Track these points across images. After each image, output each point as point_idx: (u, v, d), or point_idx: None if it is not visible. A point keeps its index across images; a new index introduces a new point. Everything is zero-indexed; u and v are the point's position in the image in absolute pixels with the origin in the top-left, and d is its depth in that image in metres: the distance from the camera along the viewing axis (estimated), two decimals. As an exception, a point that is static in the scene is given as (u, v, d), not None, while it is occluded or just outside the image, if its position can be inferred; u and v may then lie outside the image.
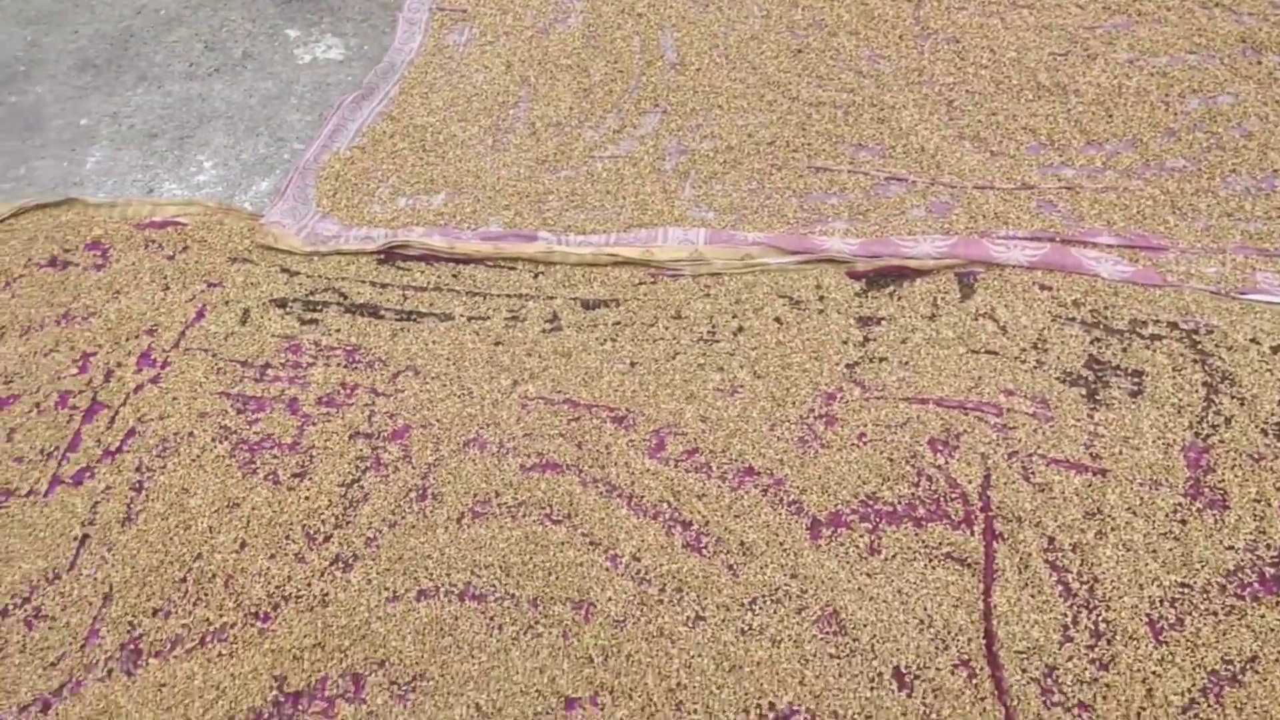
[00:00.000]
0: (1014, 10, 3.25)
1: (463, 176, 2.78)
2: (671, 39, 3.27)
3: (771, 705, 1.73)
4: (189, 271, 2.57)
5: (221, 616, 1.91)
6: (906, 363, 2.22)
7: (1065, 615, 1.79)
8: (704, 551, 1.94)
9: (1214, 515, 1.91)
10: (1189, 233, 2.43)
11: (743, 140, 2.83)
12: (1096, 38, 3.09)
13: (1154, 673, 1.71)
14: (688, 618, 1.85)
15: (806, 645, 1.79)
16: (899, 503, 1.97)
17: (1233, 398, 2.09)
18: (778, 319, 2.34)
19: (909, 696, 1.71)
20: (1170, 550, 1.86)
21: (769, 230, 2.52)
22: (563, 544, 1.96)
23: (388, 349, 2.36)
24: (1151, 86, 2.88)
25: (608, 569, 1.92)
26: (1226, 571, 1.83)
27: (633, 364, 2.28)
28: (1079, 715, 1.68)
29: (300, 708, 1.78)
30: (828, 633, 1.81)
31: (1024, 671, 1.73)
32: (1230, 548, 1.86)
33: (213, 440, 2.19)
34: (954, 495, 1.97)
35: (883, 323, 2.31)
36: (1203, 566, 1.84)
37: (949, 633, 1.78)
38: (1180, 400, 2.10)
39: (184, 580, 1.97)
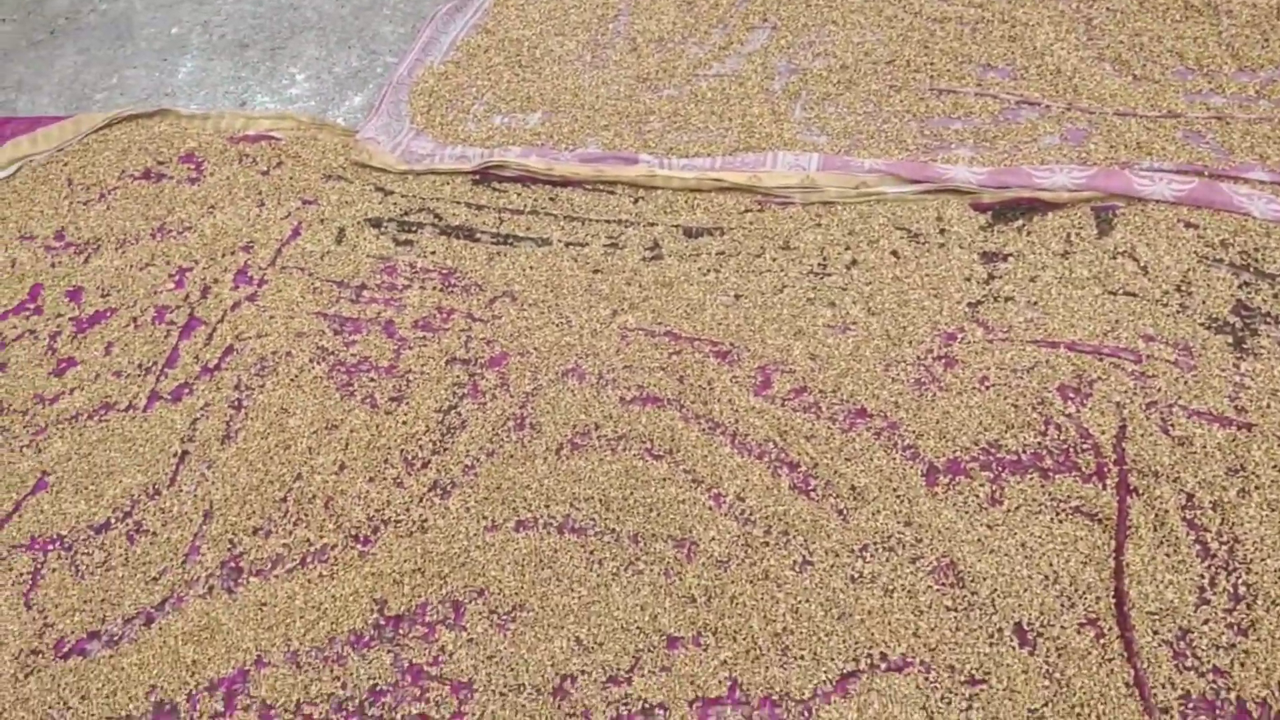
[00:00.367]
0: (1163, -82, 3.02)
1: (560, 94, 2.73)
2: (781, -52, 3.12)
3: (883, 655, 1.71)
4: (283, 188, 2.58)
5: (322, 538, 1.95)
6: (1035, 303, 2.12)
7: (1202, 576, 1.72)
8: (812, 494, 1.91)
9: (1376, 479, 1.80)
10: (1358, 169, 2.26)
11: (859, 59, 2.71)
12: (1257, -51, 2.86)
13: (1301, 644, 1.64)
14: (794, 562, 1.83)
15: (921, 596, 1.76)
16: (1024, 452, 1.90)
17: (1402, 352, 1.96)
18: (894, 252, 2.26)
19: (1031, 654, 1.67)
20: (1324, 514, 1.77)
21: (886, 157, 2.42)
22: (664, 480, 1.95)
23: (484, 273, 2.35)
24: (1319, 5, 2.67)
25: (711, 508, 1.91)
26: (1387, 540, 1.73)
27: (737, 296, 2.23)
28: (1214, 682, 1.61)
29: (401, 631, 1.82)
30: (944, 584, 1.77)
31: (1156, 633, 1.67)
32: (1393, 515, 1.76)
33: (310, 361, 2.22)
34: (1085, 446, 1.90)
35: (1010, 259, 2.21)
36: (1361, 533, 1.74)
37: (1076, 590, 1.73)
38: (1341, 353, 1.98)
39: (284, 500, 2.01)
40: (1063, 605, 1.72)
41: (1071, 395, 1.97)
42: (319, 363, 2.21)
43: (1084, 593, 1.72)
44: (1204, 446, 1.87)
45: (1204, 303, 2.08)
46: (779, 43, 2.80)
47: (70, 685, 1.82)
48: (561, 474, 1.98)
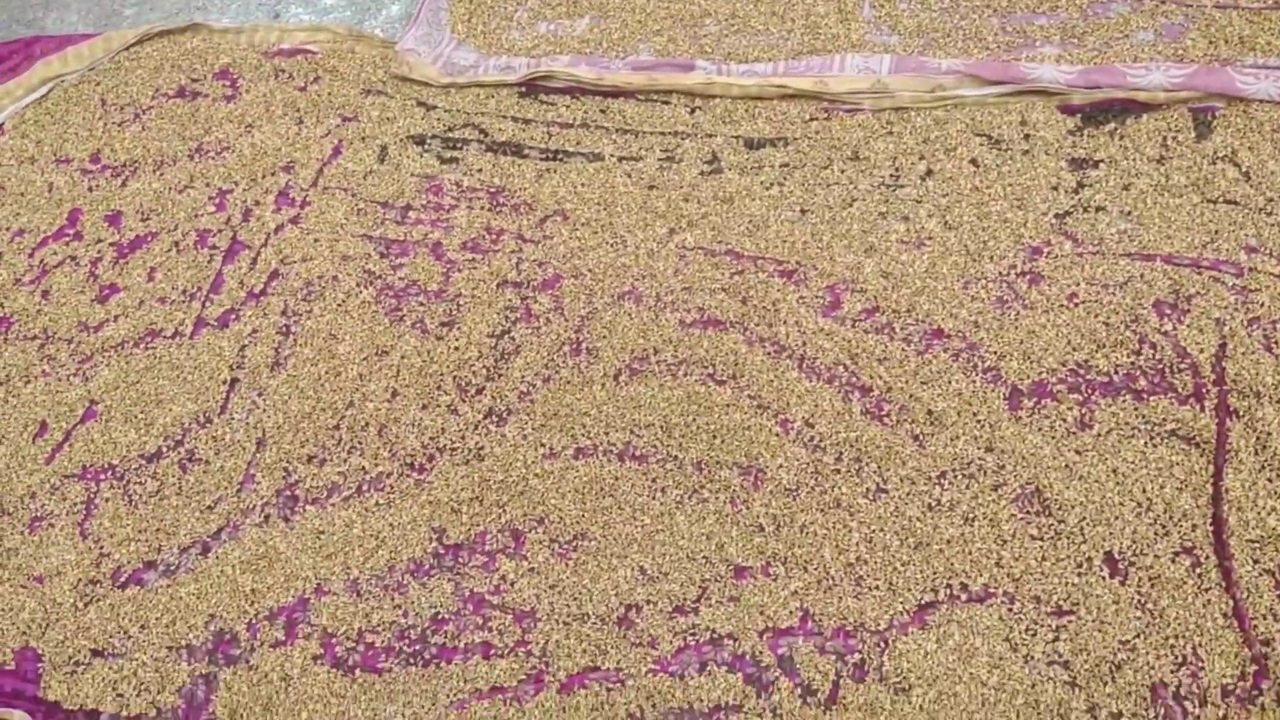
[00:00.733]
0: None
1: (609, -2, 2.63)
2: None
3: (964, 586, 1.69)
4: (322, 105, 2.54)
5: (377, 466, 1.96)
6: (1129, 213, 2.04)
7: (1308, 505, 1.67)
8: (886, 420, 1.87)
9: None
10: None
11: (932, -48, 2.57)
12: None
13: None
14: (868, 489, 1.80)
15: (1004, 525, 1.72)
16: (1116, 373, 1.84)
17: None
18: (974, 161, 2.17)
19: (1123, 584, 1.64)
20: None
21: (965, 56, 2.31)
22: (728, 406, 1.92)
23: (533, 191, 2.30)
24: None
25: (778, 434, 1.88)
26: None
27: (803, 211, 2.17)
28: (1319, 615, 1.57)
29: (460, 560, 1.83)
30: (1029, 512, 1.73)
31: (1256, 562, 1.63)
32: None
33: (358, 285, 2.20)
34: (1182, 366, 1.83)
35: (1101, 166, 2.11)
36: None
37: (1171, 517, 1.69)
38: None
39: (337, 428, 2.01)
40: (1156, 533, 1.68)
41: (1168, 311, 1.89)
42: (366, 287, 2.20)
43: (1179, 520, 1.68)
44: (1312, 365, 1.79)
45: (1314, 211, 1.98)
46: (844, -64, 2.66)
47: (130, 615, 1.86)
48: (620, 400, 1.96)
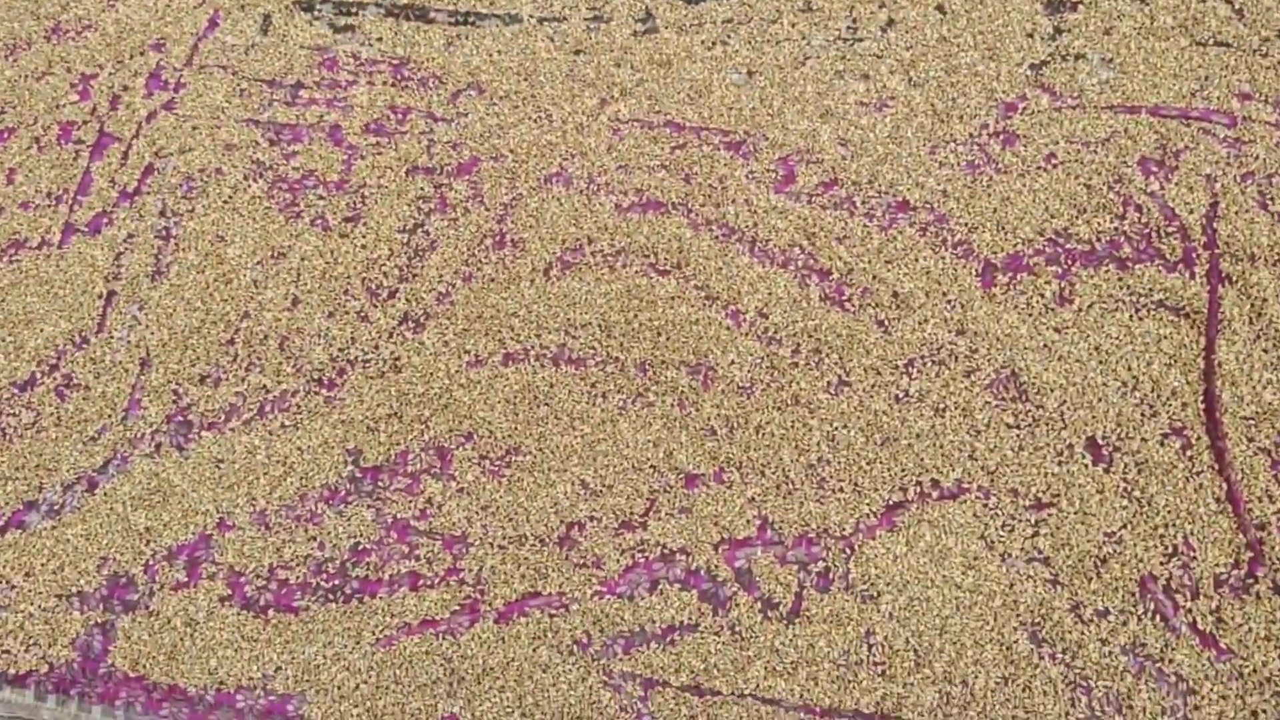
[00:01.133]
0: None
1: None
2: None
3: (935, 483, 1.62)
4: (192, -30, 2.30)
5: (280, 383, 1.83)
6: (1111, 60, 1.92)
7: (1305, 376, 1.61)
8: (847, 305, 1.77)
9: None
10: None
11: None
12: None
13: None
14: (828, 383, 1.72)
15: (978, 414, 1.66)
16: (1098, 240, 1.76)
17: None
18: (939, 7, 2.02)
19: (1107, 472, 1.59)
20: None
21: (926, -111, 2.13)
22: (673, 299, 1.81)
23: (443, 62, 2.12)
24: None
25: (729, 328, 1.78)
26: None
27: (751, 73, 2.02)
28: (1316, 495, 1.53)
29: (380, 484, 1.73)
30: (1005, 399, 1.66)
31: (1251, 440, 1.58)
32: None
33: (245, 178, 2.03)
34: (1170, 229, 1.75)
35: (1080, 8, 1.98)
36: None
37: (1159, 396, 1.63)
38: None
39: (231, 343, 1.88)
40: (1143, 415, 1.62)
41: (1154, 169, 1.80)
42: (255, 179, 2.03)
43: (1168, 399, 1.63)
44: (1310, 223, 1.71)
45: (1313, 50, 1.87)
46: None
47: (11, 562, 1.75)
48: (552, 298, 1.84)
